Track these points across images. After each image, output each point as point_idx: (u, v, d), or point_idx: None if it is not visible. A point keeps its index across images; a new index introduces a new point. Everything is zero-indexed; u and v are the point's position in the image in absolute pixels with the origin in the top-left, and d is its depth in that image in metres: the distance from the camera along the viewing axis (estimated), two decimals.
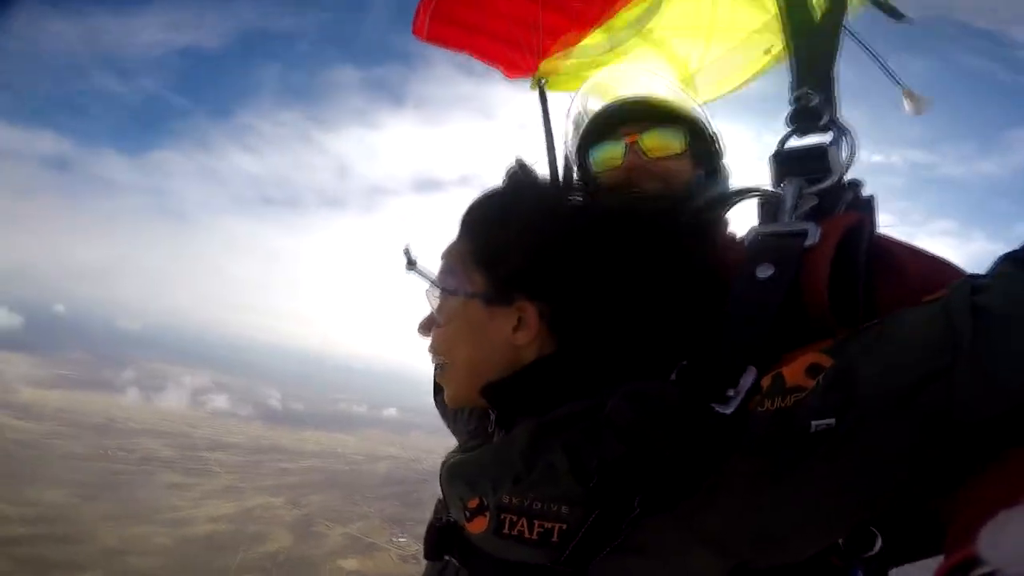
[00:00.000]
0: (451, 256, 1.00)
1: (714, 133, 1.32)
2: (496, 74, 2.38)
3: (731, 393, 0.75)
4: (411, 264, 0.99)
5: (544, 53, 2.16)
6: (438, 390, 1.35)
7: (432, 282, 0.99)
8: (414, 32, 2.42)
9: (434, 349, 1.01)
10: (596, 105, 1.47)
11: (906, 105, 1.34)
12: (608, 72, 1.76)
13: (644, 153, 1.24)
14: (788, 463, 0.67)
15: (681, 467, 0.73)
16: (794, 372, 0.72)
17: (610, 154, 1.28)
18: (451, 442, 1.17)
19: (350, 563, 49.73)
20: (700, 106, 1.37)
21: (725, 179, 1.31)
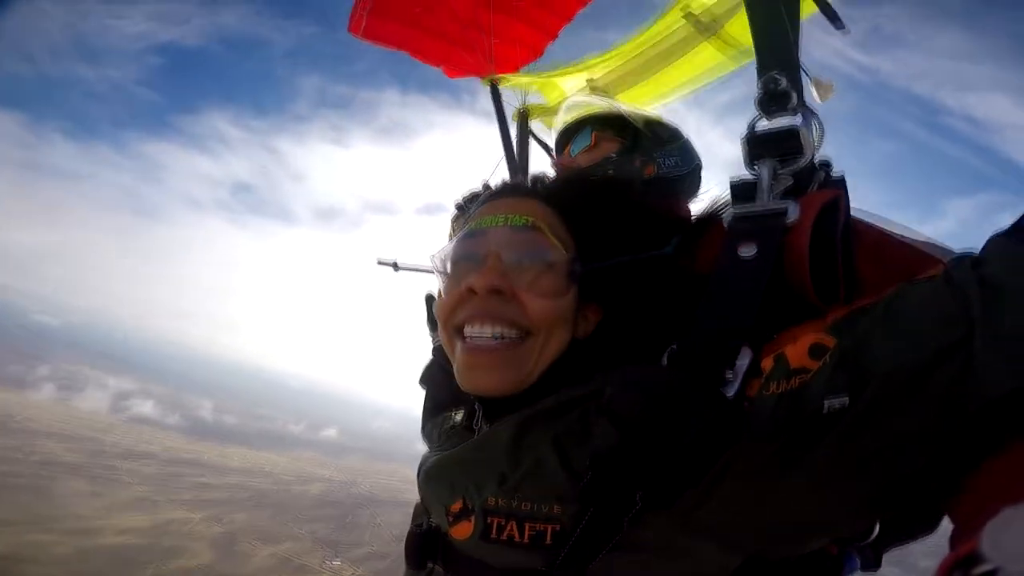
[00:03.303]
0: (555, 227, 0.95)
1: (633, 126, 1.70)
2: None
3: (729, 375, 0.72)
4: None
5: (494, 54, 2.24)
6: (429, 376, 1.50)
7: (558, 243, 0.93)
8: (349, 29, 2.29)
9: (528, 317, 0.89)
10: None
11: (814, 93, 1.47)
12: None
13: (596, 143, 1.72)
14: (799, 447, 0.64)
15: (687, 455, 0.67)
16: (797, 353, 0.69)
17: (583, 142, 1.74)
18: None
19: None
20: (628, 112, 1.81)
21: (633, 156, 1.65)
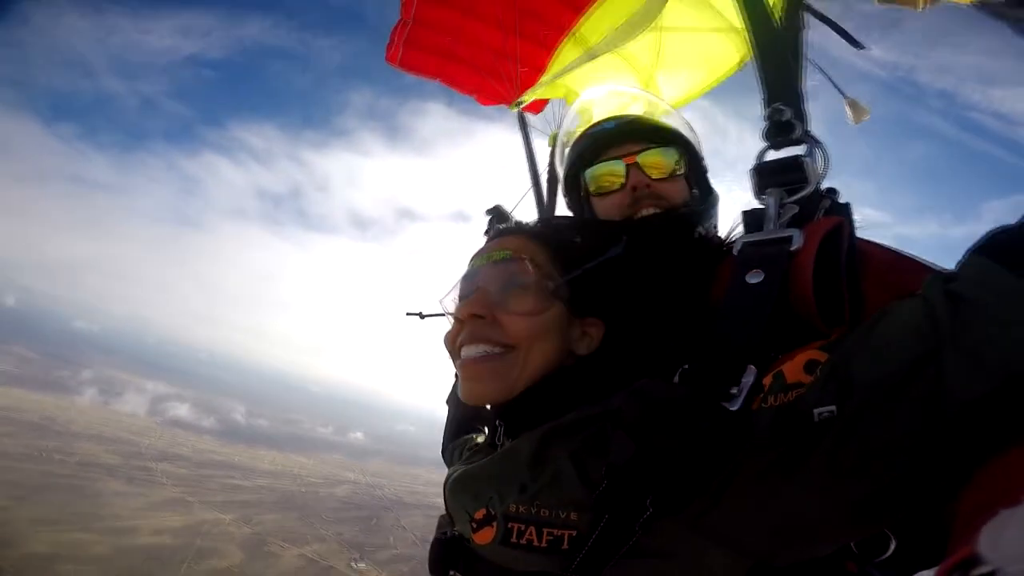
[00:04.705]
0: (534, 255, 1.02)
1: (700, 150, 1.41)
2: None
3: (735, 391, 0.77)
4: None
5: (521, 82, 2.25)
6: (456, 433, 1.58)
7: (535, 267, 1.00)
8: (387, 59, 2.43)
9: (507, 334, 0.97)
10: (576, 126, 1.59)
11: (848, 113, 1.43)
12: (587, 93, 1.85)
13: (645, 173, 1.30)
14: (796, 454, 0.67)
15: (693, 463, 0.71)
16: (793, 369, 0.76)
17: (610, 172, 1.33)
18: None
19: None
20: (686, 122, 1.47)
21: (714, 195, 1.39)
